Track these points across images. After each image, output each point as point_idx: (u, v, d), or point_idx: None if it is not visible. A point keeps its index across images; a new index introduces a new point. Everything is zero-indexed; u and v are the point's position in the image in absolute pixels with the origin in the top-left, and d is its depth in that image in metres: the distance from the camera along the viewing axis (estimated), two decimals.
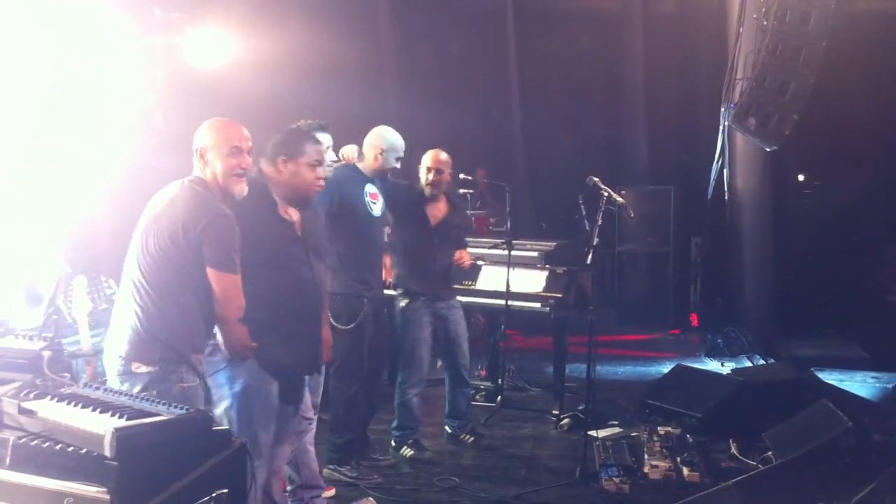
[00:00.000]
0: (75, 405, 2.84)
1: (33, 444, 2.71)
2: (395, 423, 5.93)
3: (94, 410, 2.77)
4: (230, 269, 3.53)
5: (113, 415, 2.71)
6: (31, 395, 2.93)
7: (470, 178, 8.38)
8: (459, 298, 6.96)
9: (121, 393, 3.06)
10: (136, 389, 3.38)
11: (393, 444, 5.92)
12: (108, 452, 2.56)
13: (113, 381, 3.51)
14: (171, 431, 2.71)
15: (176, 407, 2.81)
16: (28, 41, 7.00)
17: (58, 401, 2.91)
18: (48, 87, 7.22)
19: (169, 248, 3.47)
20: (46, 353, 3.22)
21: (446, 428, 6.23)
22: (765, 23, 7.83)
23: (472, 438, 6.13)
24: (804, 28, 7.48)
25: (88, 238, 7.60)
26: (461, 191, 9.58)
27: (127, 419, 2.67)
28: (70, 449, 2.65)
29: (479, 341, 8.23)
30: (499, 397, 6.81)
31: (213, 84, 8.70)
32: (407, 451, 5.82)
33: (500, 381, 7.03)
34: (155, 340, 3.46)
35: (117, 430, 2.57)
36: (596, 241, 5.49)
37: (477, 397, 7.00)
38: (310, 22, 10.73)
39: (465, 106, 11.66)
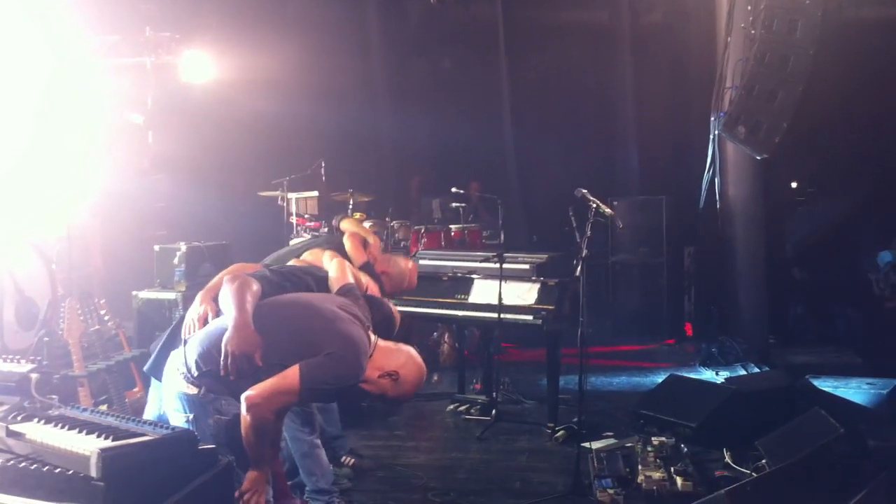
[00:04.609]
0: (62, 427, 2.86)
1: (21, 466, 2.72)
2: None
3: (80, 432, 2.79)
4: None
5: (99, 436, 2.73)
6: (19, 418, 2.95)
7: (462, 191, 8.43)
8: (454, 312, 6.99)
9: (108, 414, 3.07)
10: None
11: None
12: (94, 473, 2.57)
13: None
14: (157, 451, 2.73)
15: (162, 427, 2.82)
16: (17, 64, 7.07)
17: (45, 423, 2.93)
18: (39, 107, 7.28)
19: None
20: (34, 376, 3.24)
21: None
22: (752, 32, 7.87)
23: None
24: (791, 37, 7.50)
25: (81, 258, 7.62)
26: (453, 205, 9.64)
27: (112, 440, 2.68)
28: (57, 470, 2.67)
29: (475, 355, 8.25)
30: (493, 411, 6.79)
31: (204, 103, 8.74)
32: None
33: (494, 394, 7.02)
34: None
35: (103, 450, 2.59)
36: (585, 252, 5.49)
37: (472, 411, 7.01)
38: (301, 40, 10.80)
39: (458, 120, 11.69)
